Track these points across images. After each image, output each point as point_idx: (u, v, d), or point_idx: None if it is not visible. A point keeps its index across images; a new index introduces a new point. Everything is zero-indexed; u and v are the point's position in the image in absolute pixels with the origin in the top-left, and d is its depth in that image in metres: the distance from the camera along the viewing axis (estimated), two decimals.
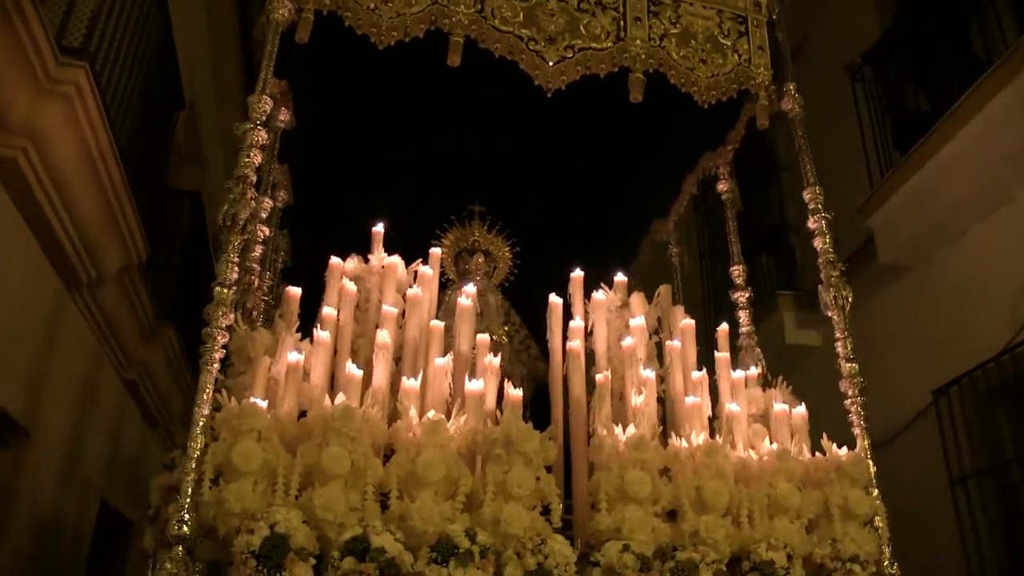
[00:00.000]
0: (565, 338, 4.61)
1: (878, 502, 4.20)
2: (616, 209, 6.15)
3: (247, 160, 4.08)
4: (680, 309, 5.11)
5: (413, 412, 3.81)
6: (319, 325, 4.23)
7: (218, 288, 3.79)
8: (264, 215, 4.81)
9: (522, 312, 5.96)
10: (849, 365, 4.46)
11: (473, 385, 4.04)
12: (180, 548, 3.31)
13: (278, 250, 5.43)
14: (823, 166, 4.95)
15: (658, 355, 4.93)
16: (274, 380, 4.00)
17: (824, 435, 4.32)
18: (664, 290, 5.27)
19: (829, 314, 4.63)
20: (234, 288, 3.86)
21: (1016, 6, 6.75)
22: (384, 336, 4.16)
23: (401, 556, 3.30)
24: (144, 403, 7.96)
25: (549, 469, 3.81)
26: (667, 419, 4.56)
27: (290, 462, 3.55)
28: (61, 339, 6.00)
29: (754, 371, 5.00)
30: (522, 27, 4.87)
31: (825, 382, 4.87)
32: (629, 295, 5.11)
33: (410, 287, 4.60)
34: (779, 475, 4.10)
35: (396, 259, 4.80)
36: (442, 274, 5.78)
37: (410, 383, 3.97)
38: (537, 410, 4.63)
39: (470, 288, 4.74)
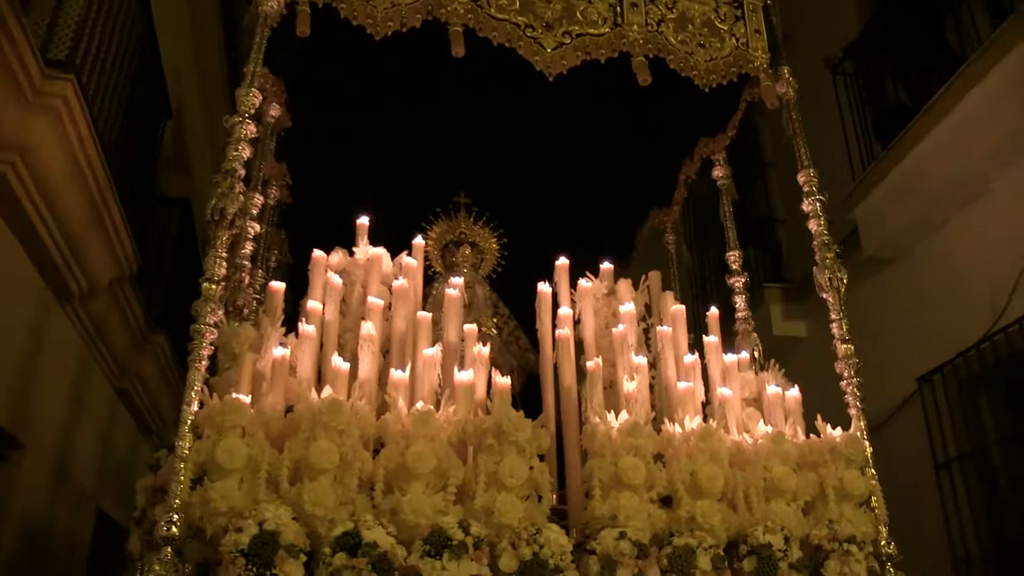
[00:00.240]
0: (554, 327, 4.56)
1: (874, 482, 4.16)
2: (606, 199, 6.10)
3: (235, 154, 4.01)
4: (670, 295, 5.07)
5: (402, 404, 3.74)
6: (304, 319, 4.17)
7: (206, 284, 3.72)
8: (255, 211, 4.73)
9: (511, 304, 5.90)
10: (845, 346, 4.44)
11: (462, 375, 3.98)
12: (169, 549, 3.24)
13: (271, 247, 5.35)
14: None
15: (646, 342, 4.89)
16: (259, 375, 3.94)
17: (819, 416, 4.28)
18: (653, 276, 5.22)
19: (824, 296, 4.60)
20: (222, 284, 3.80)
21: (989, 2, 6.87)
22: (369, 328, 4.10)
23: (394, 550, 3.25)
24: (137, 411, 7.95)
25: (542, 458, 3.75)
26: (658, 405, 4.52)
27: (276, 458, 3.49)
28: (52, 351, 5.97)
29: (746, 355, 4.95)
30: (518, 14, 4.81)
31: (812, 373, 4.91)
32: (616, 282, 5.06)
33: (396, 279, 4.54)
34: (774, 458, 4.07)
35: (381, 251, 4.75)
36: (429, 267, 5.74)
37: (398, 375, 3.91)
38: (528, 401, 4.57)
39: (457, 279, 4.68)
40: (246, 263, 4.73)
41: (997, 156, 6.42)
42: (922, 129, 6.74)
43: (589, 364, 4.26)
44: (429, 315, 4.36)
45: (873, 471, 4.19)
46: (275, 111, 5.08)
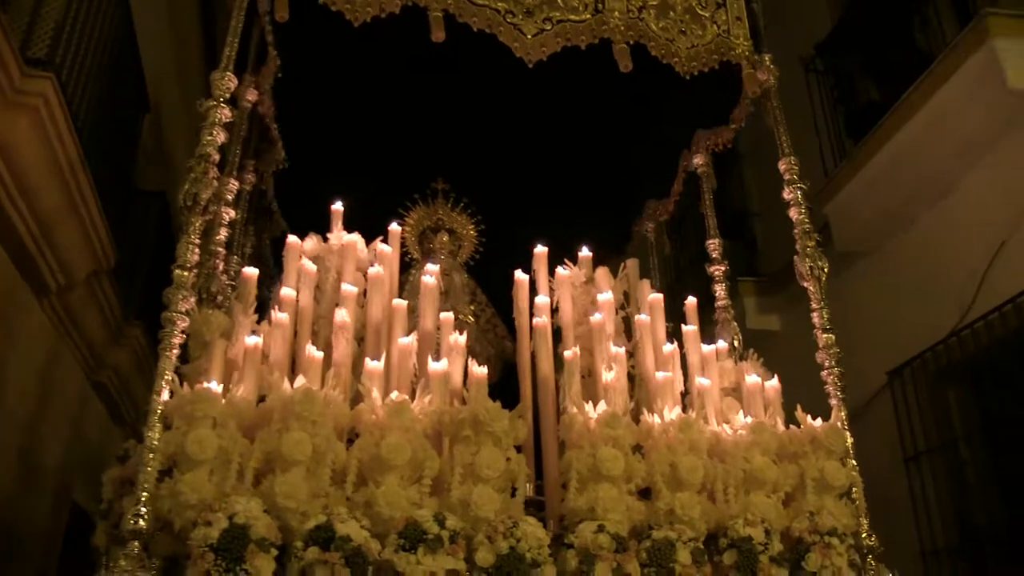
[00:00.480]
0: (532, 315, 4.50)
1: (855, 473, 4.13)
2: (596, 188, 6.05)
3: (209, 138, 3.92)
4: (647, 283, 5.02)
5: (376, 394, 3.67)
6: (277, 306, 4.09)
7: (178, 271, 3.64)
8: (230, 197, 4.65)
9: (489, 291, 5.84)
10: (826, 336, 4.40)
11: (438, 365, 3.91)
12: (136, 543, 3.15)
13: (246, 234, 5.27)
14: (776, 158, 4.92)
15: (626, 330, 4.84)
16: (231, 364, 3.86)
17: (799, 407, 4.24)
18: (631, 264, 5.17)
19: (805, 284, 4.55)
20: (195, 271, 3.73)
21: (955, 1, 7.04)
22: (343, 315, 4.03)
23: (368, 544, 3.18)
24: (113, 403, 7.91)
25: (519, 449, 3.70)
26: (636, 395, 4.47)
27: (248, 449, 3.41)
28: (27, 344, 5.94)
29: (724, 344, 4.91)
30: (499, 0, 4.73)
31: (786, 366, 4.90)
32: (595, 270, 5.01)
33: (371, 266, 4.46)
34: (754, 449, 4.03)
35: (355, 237, 4.67)
36: (406, 253, 5.67)
37: (373, 364, 3.83)
38: (506, 390, 4.51)
39: (433, 266, 4.61)
40: (220, 250, 4.65)
41: (965, 153, 6.55)
42: (892, 126, 6.81)
43: (567, 353, 4.20)
44: (404, 303, 4.29)
45: (854, 462, 4.16)
46: (252, 96, 4.99)
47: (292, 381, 3.60)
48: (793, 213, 4.71)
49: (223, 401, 3.51)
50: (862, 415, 7.17)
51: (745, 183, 10.01)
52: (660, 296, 4.84)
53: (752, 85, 5.07)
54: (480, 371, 3.88)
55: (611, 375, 4.12)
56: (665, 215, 6.23)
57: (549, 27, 4.76)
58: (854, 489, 4.13)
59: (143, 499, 3.20)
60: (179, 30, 10.01)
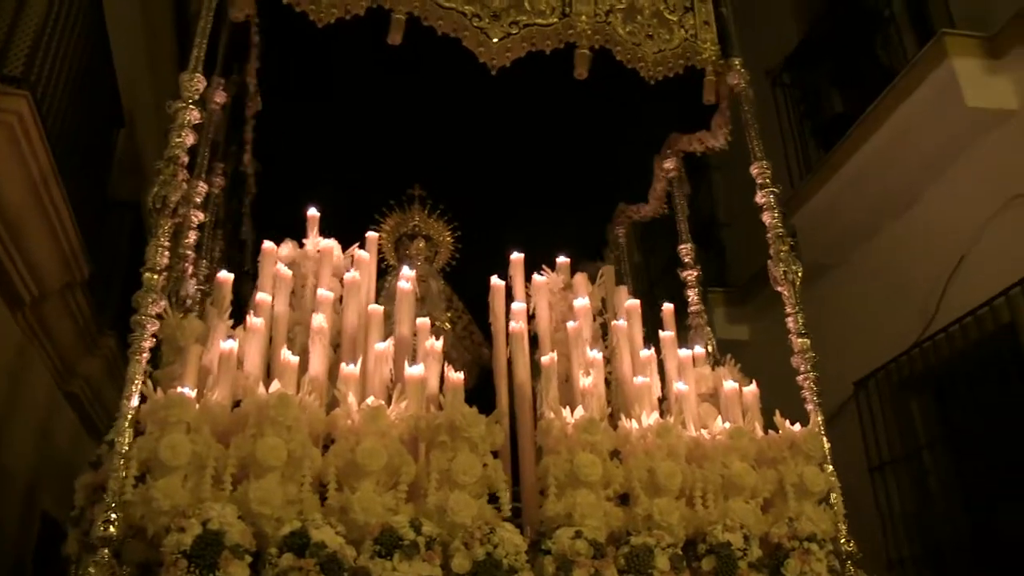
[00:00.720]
0: (508, 321, 4.48)
1: (833, 478, 4.12)
2: (571, 193, 6.02)
3: (178, 140, 3.91)
4: (624, 289, 5.01)
5: (352, 399, 3.63)
6: (252, 311, 4.05)
7: (147, 274, 3.61)
8: (199, 199, 4.62)
9: (466, 298, 5.82)
10: (800, 340, 4.40)
11: (413, 370, 3.88)
12: (106, 551, 3.10)
13: (215, 237, 5.24)
14: (745, 169, 4.95)
15: (603, 337, 4.82)
16: (206, 370, 3.81)
17: (777, 412, 4.24)
18: (607, 271, 5.16)
19: (779, 289, 4.54)
20: (164, 274, 3.69)
21: (915, 21, 7.24)
22: (320, 320, 3.99)
23: (343, 550, 3.14)
24: (85, 414, 7.86)
25: (496, 455, 3.67)
26: (614, 401, 4.45)
27: (223, 454, 3.36)
28: (4, 356, 5.97)
29: (701, 351, 4.89)
30: (465, 3, 4.72)
31: (755, 376, 4.83)
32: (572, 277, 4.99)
33: (347, 271, 4.43)
34: (733, 454, 4.01)
35: (332, 243, 4.64)
36: (382, 260, 5.64)
37: (349, 369, 3.80)
38: (483, 396, 4.48)
39: (409, 271, 4.58)
40: (190, 253, 4.62)
41: (928, 167, 6.68)
42: (857, 140, 6.92)
43: (544, 359, 4.18)
44: (380, 308, 4.26)
45: (831, 467, 4.16)
46: (220, 98, 4.95)
47: (268, 387, 3.55)
48: (766, 217, 4.70)
49: (197, 406, 3.46)
50: (829, 425, 7.16)
51: (714, 194, 10.07)
52: (637, 302, 4.83)
53: (710, 92, 5.10)
54: (456, 377, 3.85)
55: (588, 380, 4.10)
56: (637, 216, 6.24)
57: (516, 31, 4.77)
58: (832, 495, 4.12)
59: (113, 505, 3.16)
60: (154, 43, 10.05)
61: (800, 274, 4.54)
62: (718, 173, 9.88)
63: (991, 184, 6.24)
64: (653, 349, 4.57)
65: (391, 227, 5.90)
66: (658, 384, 4.47)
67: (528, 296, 4.70)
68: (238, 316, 4.18)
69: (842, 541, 4.00)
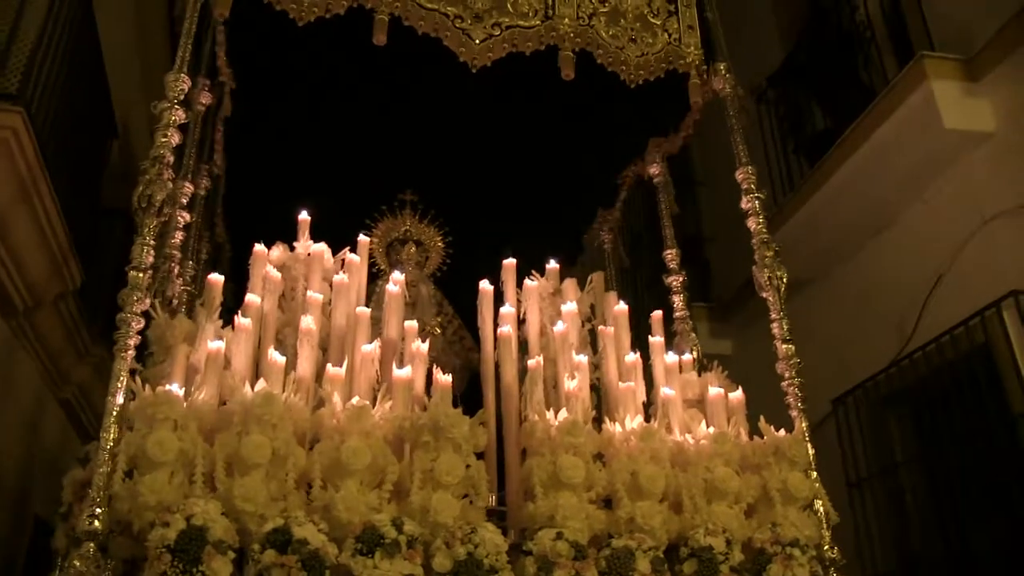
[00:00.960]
0: (496, 325, 4.51)
1: (818, 485, 4.14)
2: (553, 199, 6.04)
3: (163, 140, 3.94)
4: (613, 295, 5.04)
5: (337, 399, 3.67)
6: (240, 312, 4.08)
7: (132, 272, 3.65)
8: (185, 200, 4.65)
9: (456, 303, 5.85)
10: (785, 346, 4.41)
11: (400, 371, 3.91)
12: (92, 545, 3.14)
13: (201, 238, 5.27)
14: (729, 184, 5.00)
15: (592, 343, 4.84)
16: (194, 368, 3.85)
17: (762, 418, 4.26)
18: (597, 277, 5.19)
19: (764, 295, 4.56)
20: (149, 272, 3.72)
21: (896, 42, 7.21)
22: (308, 322, 4.02)
23: (325, 548, 3.17)
24: (77, 419, 7.87)
25: (480, 456, 3.70)
26: (601, 406, 4.47)
27: (208, 451, 3.41)
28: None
29: (688, 357, 4.92)
30: (448, 4, 4.74)
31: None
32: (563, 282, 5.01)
33: (337, 275, 4.46)
34: (717, 459, 4.03)
35: (322, 246, 4.66)
36: (373, 264, 5.66)
37: (335, 370, 3.83)
38: (472, 401, 4.51)
39: (398, 275, 4.61)
40: (176, 253, 4.65)
41: (906, 187, 6.71)
42: (838, 159, 6.94)
43: (530, 362, 4.20)
44: (368, 310, 4.29)
45: (816, 474, 4.17)
46: (205, 99, 4.99)
47: (254, 387, 3.59)
48: (751, 223, 4.71)
49: (184, 404, 3.49)
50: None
51: (699, 211, 10.10)
52: (625, 307, 4.85)
53: (696, 95, 5.12)
54: (445, 379, 3.88)
55: (573, 383, 4.12)
56: (612, 223, 6.29)
57: (498, 32, 4.79)
58: (817, 501, 4.13)
59: (98, 500, 3.20)
60: (147, 55, 10.08)
61: (785, 280, 4.56)
62: (703, 190, 9.91)
63: (969, 205, 6.29)
64: (639, 354, 4.59)
65: (382, 232, 5.92)
66: (643, 389, 4.49)
67: (518, 301, 4.73)
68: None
69: (826, 548, 4.01)
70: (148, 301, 3.72)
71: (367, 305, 4.55)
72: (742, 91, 5.08)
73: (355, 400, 3.65)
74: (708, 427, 4.26)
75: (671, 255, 5.51)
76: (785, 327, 4.46)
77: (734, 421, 4.33)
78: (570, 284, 4.95)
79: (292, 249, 4.75)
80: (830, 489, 6.63)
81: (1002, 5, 5.97)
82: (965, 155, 6.30)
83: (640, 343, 4.76)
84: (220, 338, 3.93)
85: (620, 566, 3.53)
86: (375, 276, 5.66)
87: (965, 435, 6.16)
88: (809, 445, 4.22)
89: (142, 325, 3.61)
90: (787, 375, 4.37)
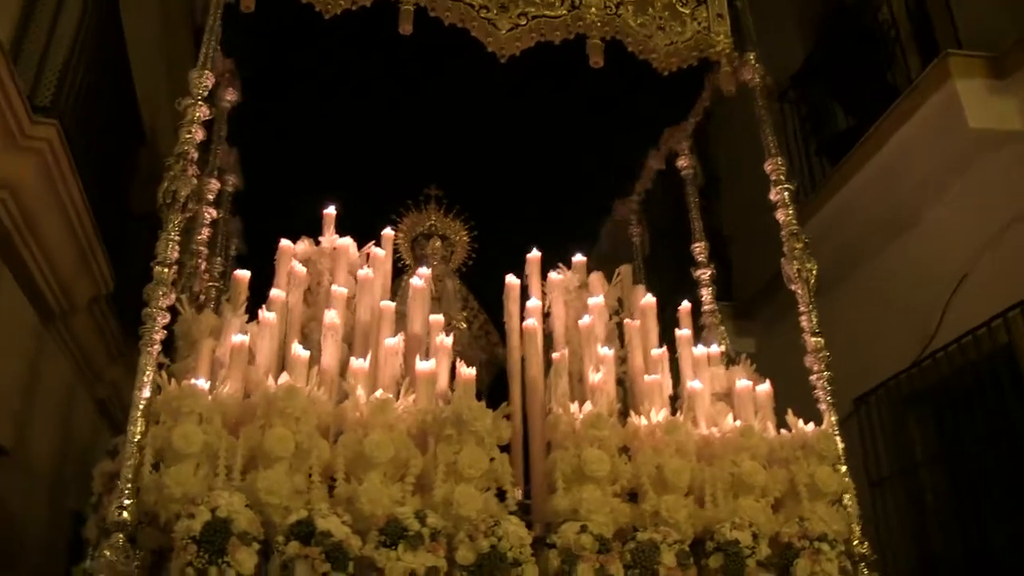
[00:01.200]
0: (522, 319, 4.50)
1: (847, 479, 4.10)
2: (576, 190, 6.01)
3: (188, 136, 3.98)
4: (641, 288, 5.00)
5: (360, 392, 3.67)
6: (266, 306, 4.10)
7: (157, 267, 3.69)
8: (211, 197, 4.67)
9: (482, 297, 5.84)
10: (815, 340, 4.38)
11: (424, 365, 3.91)
12: (121, 536, 3.19)
13: (229, 235, 5.30)
14: (751, 184, 4.94)
15: (619, 336, 4.82)
16: (219, 362, 3.87)
17: (790, 411, 4.22)
18: (624, 270, 5.16)
19: (793, 287, 4.52)
20: (174, 268, 3.75)
21: (921, 40, 7.11)
22: (332, 316, 4.03)
23: (348, 539, 3.18)
24: (113, 417, 8.01)
25: (504, 449, 3.69)
26: (627, 400, 4.45)
27: (233, 444, 3.43)
28: (38, 366, 6.17)
29: (716, 349, 4.88)
30: None
31: None
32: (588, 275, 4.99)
33: (362, 269, 4.47)
34: (743, 453, 3.99)
35: (347, 241, 4.67)
36: (399, 259, 5.67)
37: (358, 363, 3.84)
38: (498, 396, 4.51)
39: (423, 269, 4.61)
40: (202, 249, 4.67)
41: (929, 187, 6.63)
42: (860, 159, 6.88)
43: (555, 355, 4.19)
44: (392, 304, 4.29)
45: (845, 468, 4.14)
46: (231, 96, 5.01)
47: (278, 380, 3.60)
48: (780, 215, 4.68)
49: (209, 397, 3.52)
50: None
51: (721, 208, 10.01)
52: (653, 300, 4.82)
53: (728, 84, 5.06)
54: (468, 372, 3.86)
55: (598, 376, 4.10)
56: (627, 214, 6.26)
57: (524, 22, 4.77)
58: (846, 496, 4.10)
59: (126, 491, 3.24)
60: (173, 61, 10.19)
61: (815, 272, 4.52)
62: (725, 187, 9.83)
63: (993, 204, 6.20)
64: (665, 347, 4.57)
65: (407, 227, 5.91)
66: (670, 382, 4.46)
67: (544, 294, 4.71)
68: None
69: (855, 543, 3.98)
70: (173, 296, 3.74)
71: (392, 300, 4.55)
72: (771, 80, 5.02)
73: (378, 393, 3.65)
74: (735, 421, 4.24)
75: (699, 248, 5.45)
76: (814, 320, 4.43)
77: (761, 415, 4.30)
78: (597, 277, 4.93)
79: (318, 243, 4.76)
80: (854, 488, 6.75)
81: None
82: (990, 154, 6.20)
83: (664, 338, 4.73)
84: (245, 332, 3.94)
85: (645, 559, 3.51)
86: (400, 271, 5.66)
87: (987, 436, 6.11)
88: (839, 439, 4.17)
89: (167, 320, 3.64)
90: (816, 368, 4.33)
